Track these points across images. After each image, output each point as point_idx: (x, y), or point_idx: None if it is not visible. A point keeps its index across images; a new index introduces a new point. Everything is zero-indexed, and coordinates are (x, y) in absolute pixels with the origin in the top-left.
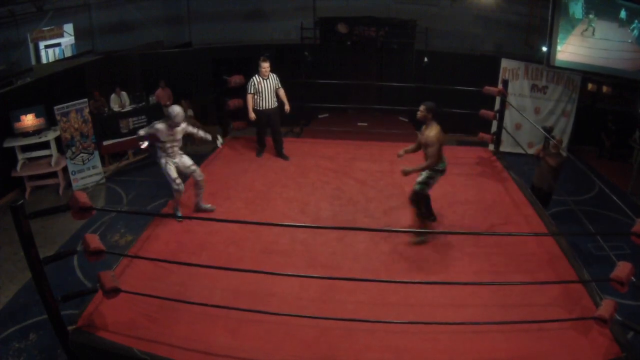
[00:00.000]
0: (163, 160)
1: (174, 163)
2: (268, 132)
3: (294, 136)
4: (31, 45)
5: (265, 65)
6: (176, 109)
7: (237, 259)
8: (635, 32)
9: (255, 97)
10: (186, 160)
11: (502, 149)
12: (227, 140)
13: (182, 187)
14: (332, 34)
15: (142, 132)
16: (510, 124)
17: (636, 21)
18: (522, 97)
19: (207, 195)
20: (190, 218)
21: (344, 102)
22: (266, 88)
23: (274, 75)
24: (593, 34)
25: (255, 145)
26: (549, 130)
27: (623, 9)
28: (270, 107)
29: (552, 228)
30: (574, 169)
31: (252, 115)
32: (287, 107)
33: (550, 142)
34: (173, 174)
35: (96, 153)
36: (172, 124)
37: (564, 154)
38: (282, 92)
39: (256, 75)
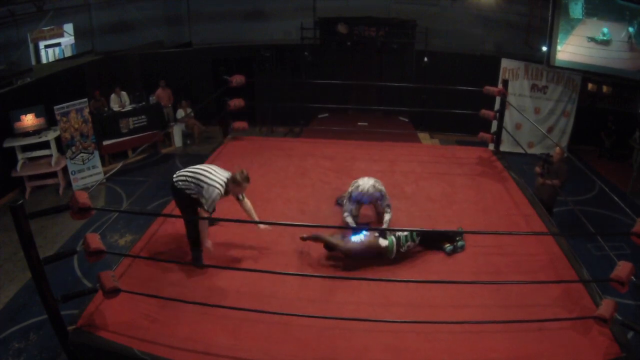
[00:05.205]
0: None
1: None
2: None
3: (294, 136)
4: (31, 45)
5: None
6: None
7: (237, 259)
8: (635, 32)
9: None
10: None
11: (502, 149)
12: (227, 140)
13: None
14: (332, 34)
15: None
16: (511, 124)
17: (636, 21)
18: (522, 97)
19: None
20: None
21: (344, 102)
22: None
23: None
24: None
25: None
26: (546, 158)
27: (622, 9)
28: None
29: (552, 228)
30: (574, 169)
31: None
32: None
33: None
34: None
35: (96, 153)
36: None
37: (565, 166)
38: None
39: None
